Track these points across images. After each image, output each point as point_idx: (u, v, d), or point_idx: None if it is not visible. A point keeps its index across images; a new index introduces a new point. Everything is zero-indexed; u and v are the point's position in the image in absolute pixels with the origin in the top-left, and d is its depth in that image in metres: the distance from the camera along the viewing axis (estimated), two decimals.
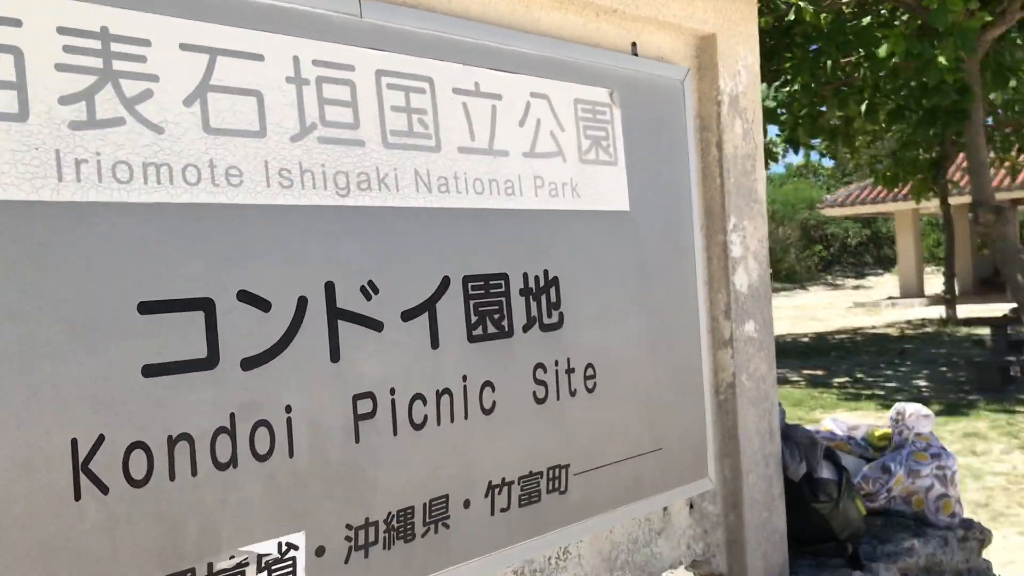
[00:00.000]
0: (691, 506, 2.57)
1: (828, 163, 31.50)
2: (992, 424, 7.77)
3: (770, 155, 14.61)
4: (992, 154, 17.75)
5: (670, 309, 2.45)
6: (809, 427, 3.60)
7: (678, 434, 2.46)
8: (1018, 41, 9.98)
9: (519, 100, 2.08)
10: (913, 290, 24.40)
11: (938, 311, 19.54)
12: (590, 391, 2.18)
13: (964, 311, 18.75)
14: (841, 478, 2.85)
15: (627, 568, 2.35)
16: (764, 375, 2.76)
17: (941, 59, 8.16)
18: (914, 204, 20.25)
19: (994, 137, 17.02)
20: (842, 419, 3.58)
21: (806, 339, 17.55)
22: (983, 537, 3.26)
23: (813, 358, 14.36)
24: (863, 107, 9.70)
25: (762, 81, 10.51)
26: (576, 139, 2.21)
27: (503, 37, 2.06)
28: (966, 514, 5.87)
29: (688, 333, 2.51)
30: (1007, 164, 18.25)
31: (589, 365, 2.19)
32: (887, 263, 38.89)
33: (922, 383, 10.89)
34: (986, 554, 5.27)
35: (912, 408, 3.29)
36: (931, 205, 20.16)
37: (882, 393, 10.06)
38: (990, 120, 17.03)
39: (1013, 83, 9.97)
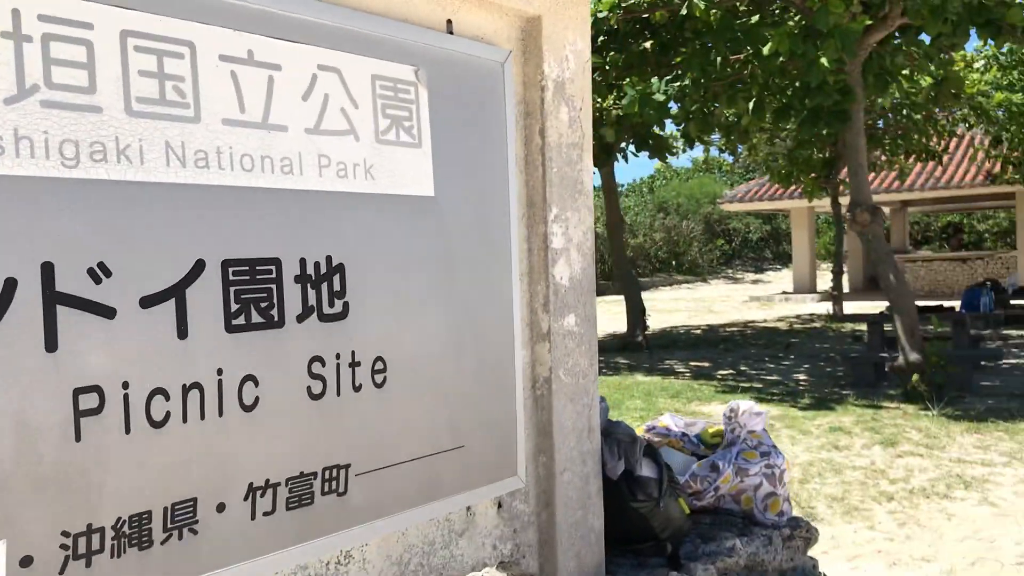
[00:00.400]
0: (500, 505, 2.47)
1: (729, 159, 32.11)
2: (858, 419, 7.98)
3: (668, 149, 14.75)
4: (883, 157, 18.39)
5: (479, 301, 2.34)
6: (650, 422, 3.57)
7: (484, 431, 2.36)
8: (902, 47, 10.27)
9: (303, 72, 1.94)
10: (806, 286, 25.11)
11: (827, 307, 20.14)
12: (379, 386, 2.06)
13: (853, 307, 19.36)
14: (662, 476, 2.81)
15: (421, 572, 2.24)
16: (585, 370, 2.69)
17: (823, 60, 8.30)
18: (808, 202, 20.80)
19: (884, 140, 17.61)
20: (680, 415, 3.55)
21: (698, 331, 17.87)
22: (810, 536, 3.27)
23: (702, 350, 14.61)
24: (751, 104, 9.83)
25: (654, 75, 10.60)
26: (372, 118, 2.08)
27: (285, 3, 1.90)
28: (822, 508, 6.00)
29: (499, 326, 2.41)
30: (896, 167, 18.92)
31: (379, 359, 2.06)
32: (786, 259, 39.95)
33: (801, 377, 11.16)
34: (838, 547, 5.38)
35: (745, 405, 3.28)
36: (826, 203, 20.71)
37: (760, 386, 10.25)
38: (880, 123, 17.63)
39: (894, 89, 10.25)
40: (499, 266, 2.41)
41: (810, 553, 5.26)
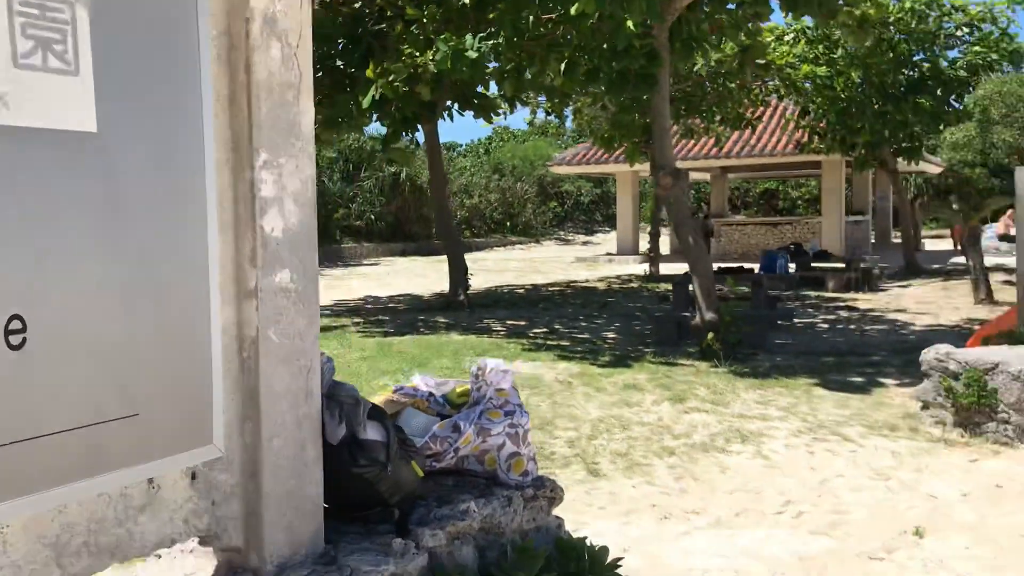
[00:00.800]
0: (194, 476, 2.27)
1: (558, 122, 32.50)
2: (651, 376, 8.20)
3: (493, 109, 14.66)
4: (701, 124, 19.01)
5: (160, 253, 2.11)
6: (400, 383, 3.44)
7: (167, 397, 2.14)
8: (710, 14, 10.52)
9: None
10: (629, 248, 25.87)
11: (646, 268, 20.78)
12: (15, 348, 1.80)
13: (671, 268, 20.06)
14: (390, 439, 2.68)
15: (86, 552, 2.01)
16: (302, 330, 2.51)
17: (629, 23, 8.37)
18: (630, 166, 21.32)
19: (701, 108, 18.19)
20: (431, 376, 3.44)
21: (522, 291, 18.06)
22: (554, 495, 3.24)
23: (522, 309, 14.75)
24: (563, 66, 9.83)
25: (469, 31, 10.43)
26: (8, 38, 1.79)
27: None
28: (605, 464, 6.09)
29: (189, 282, 2.19)
30: (713, 134, 19.61)
31: (15, 317, 1.80)
32: (615, 221, 41.09)
33: (610, 335, 11.43)
34: (616, 503, 5.47)
35: (493, 363, 3.20)
36: (647, 167, 21.25)
37: (567, 344, 10.41)
38: (706, 89, 18.16)
39: (699, 55, 10.51)
40: (190, 215, 2.18)
41: (576, 509, 5.33)
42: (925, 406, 7.05)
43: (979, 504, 5.38)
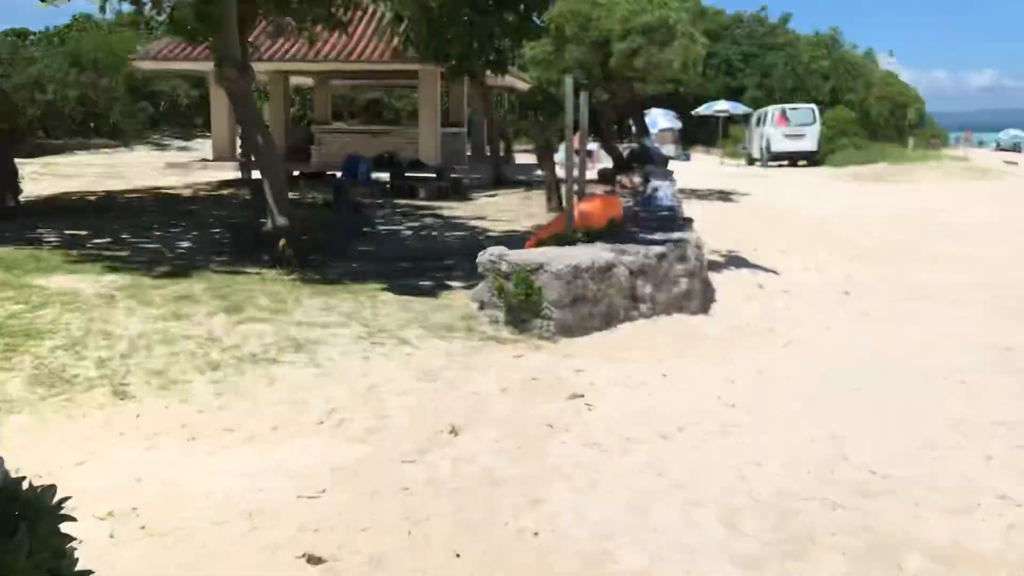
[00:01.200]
0: None
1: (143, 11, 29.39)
2: (210, 286, 7.57)
3: None
4: (293, 23, 18.07)
5: None
6: None
7: None
8: None
9: None
10: (226, 153, 24.37)
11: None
12: None
13: None
14: None
15: None
16: None
17: None
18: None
19: (291, 5, 17.24)
20: None
21: (94, 198, 16.20)
22: None
23: (89, 217, 13.17)
24: None
25: None
26: None
27: None
28: (137, 385, 5.39)
29: None
30: (304, 33, 18.77)
31: None
32: None
33: (185, 245, 10.53)
34: (139, 428, 4.86)
35: None
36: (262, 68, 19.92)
37: (126, 254, 9.37)
38: None
39: None
40: None
41: (92, 437, 4.66)
42: (481, 306, 7.26)
43: (515, 398, 5.59)
